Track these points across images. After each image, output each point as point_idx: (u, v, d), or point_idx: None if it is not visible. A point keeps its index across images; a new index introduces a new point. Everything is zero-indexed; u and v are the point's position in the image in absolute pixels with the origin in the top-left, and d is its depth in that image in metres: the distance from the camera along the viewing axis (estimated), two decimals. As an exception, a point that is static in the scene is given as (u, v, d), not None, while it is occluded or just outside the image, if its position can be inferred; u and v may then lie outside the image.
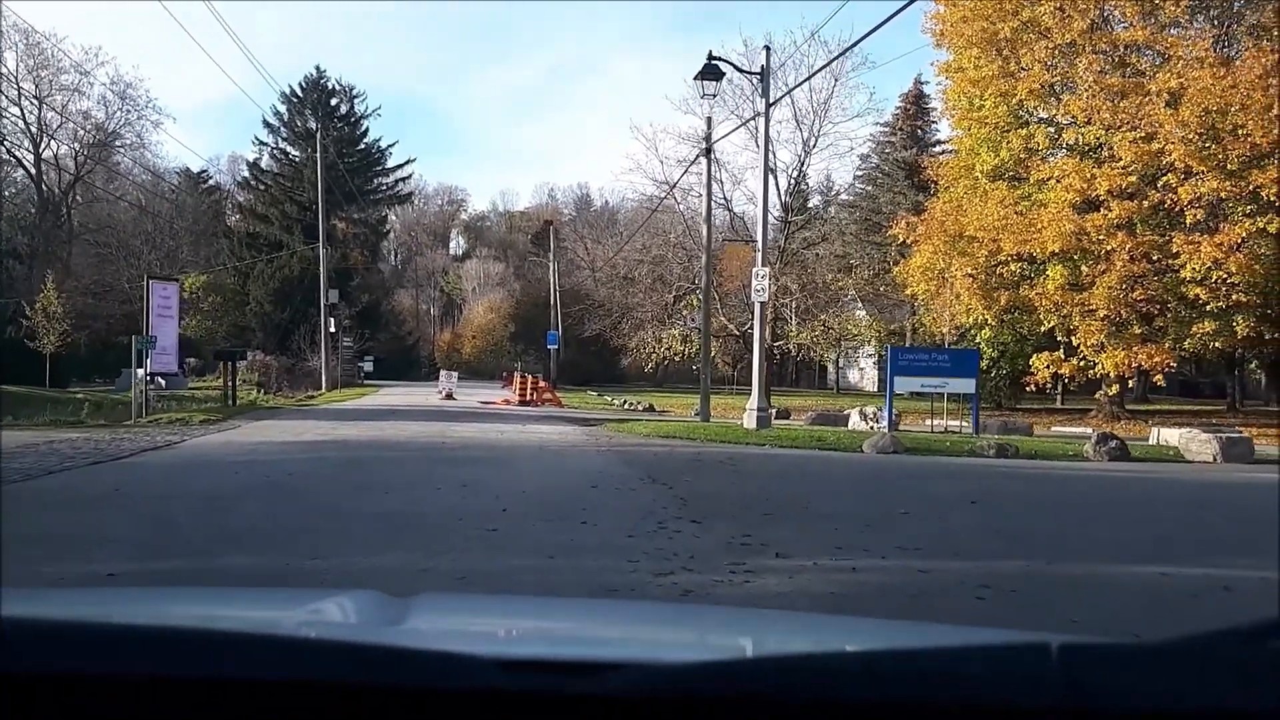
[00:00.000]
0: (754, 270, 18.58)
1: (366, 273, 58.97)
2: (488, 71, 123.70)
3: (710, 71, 18.80)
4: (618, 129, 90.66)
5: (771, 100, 19.38)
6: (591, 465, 11.35)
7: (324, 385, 36.19)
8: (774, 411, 20.42)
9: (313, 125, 52.86)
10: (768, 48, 19.03)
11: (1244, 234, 24.33)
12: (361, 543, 5.94)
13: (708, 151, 23.79)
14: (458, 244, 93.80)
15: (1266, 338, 27.13)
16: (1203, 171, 24.56)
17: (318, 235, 39.78)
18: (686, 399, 32.56)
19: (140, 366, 18.41)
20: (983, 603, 4.45)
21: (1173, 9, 25.73)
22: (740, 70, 20.69)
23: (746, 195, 40.36)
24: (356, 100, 60.90)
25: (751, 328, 29.77)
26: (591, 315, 46.90)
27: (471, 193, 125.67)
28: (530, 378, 32.51)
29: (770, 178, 22.41)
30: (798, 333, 37.23)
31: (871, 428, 19.66)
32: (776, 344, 35.52)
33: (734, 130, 32.32)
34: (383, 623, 1.41)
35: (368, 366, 47.71)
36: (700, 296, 30.13)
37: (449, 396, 31.44)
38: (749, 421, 17.52)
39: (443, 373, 36.83)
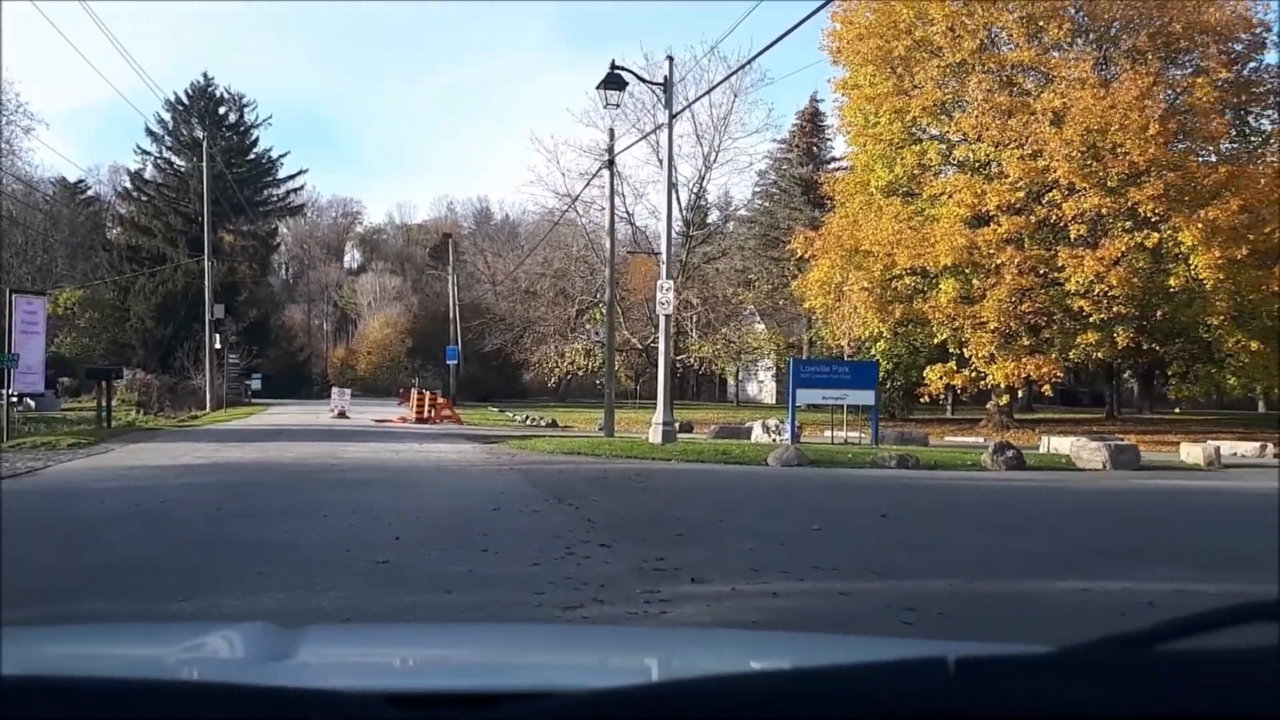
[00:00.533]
0: (659, 283, 18.39)
1: (255, 287, 56.93)
2: (385, 83, 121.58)
3: (613, 80, 18.56)
4: (518, 142, 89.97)
5: (674, 112, 19.24)
6: (493, 485, 10.88)
7: (209, 405, 34.59)
8: (677, 425, 20.26)
9: (199, 134, 50.78)
10: (670, 58, 18.94)
11: (1123, 248, 25.43)
12: (237, 579, 5.39)
13: (610, 163, 23.57)
14: (352, 257, 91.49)
15: (1144, 348, 28.36)
16: (1085, 188, 25.59)
17: (203, 248, 38.10)
18: (590, 414, 32.21)
19: (3, 387, 17.07)
20: (911, 628, 4.22)
21: (1056, 32, 26.78)
22: (643, 80, 20.50)
23: (649, 209, 40.32)
24: (246, 109, 58.97)
25: (654, 341, 29.72)
26: (492, 330, 46.12)
27: (367, 205, 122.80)
28: (428, 394, 31.61)
29: (673, 192, 22.35)
30: (699, 346, 37.31)
31: (774, 440, 19.66)
32: (678, 357, 35.51)
33: (636, 142, 32.25)
34: (269, 657, 1.34)
35: (255, 384, 45.86)
36: (603, 310, 29.89)
37: (341, 415, 30.32)
38: (654, 436, 17.28)
39: (335, 390, 35.54)
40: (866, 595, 5.06)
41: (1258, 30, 28.55)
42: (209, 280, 37.40)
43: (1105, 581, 5.47)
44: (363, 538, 6.78)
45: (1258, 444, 20.85)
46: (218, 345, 37.28)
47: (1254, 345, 25.66)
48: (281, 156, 61.38)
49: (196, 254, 41.26)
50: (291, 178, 62.82)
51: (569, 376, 43.09)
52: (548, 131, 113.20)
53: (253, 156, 59.74)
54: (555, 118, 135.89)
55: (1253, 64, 29.39)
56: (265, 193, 61.20)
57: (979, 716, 0.78)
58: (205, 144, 41.60)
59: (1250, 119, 30.80)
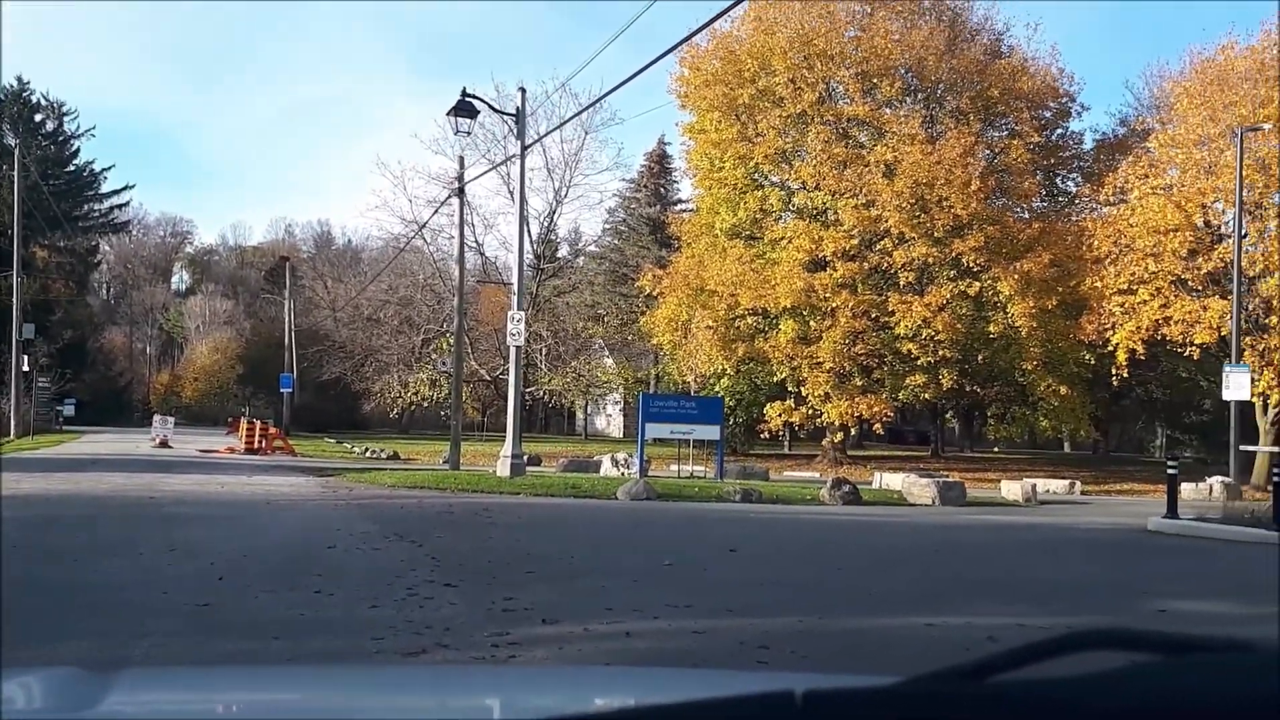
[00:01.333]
0: (509, 314, 18.15)
1: (71, 306, 52.96)
2: (221, 98, 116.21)
3: (464, 108, 18.33)
4: (363, 166, 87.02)
5: (526, 143, 19.16)
6: (328, 521, 10.35)
7: (13, 432, 31.85)
8: (526, 458, 19.99)
9: (11, 142, 47.03)
10: (522, 89, 18.84)
11: (948, 296, 27.04)
12: (36, 626, 4.84)
13: (460, 191, 23.21)
14: (181, 279, 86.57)
15: (966, 390, 30.15)
16: (914, 238, 27.14)
17: (12, 263, 35.22)
18: (434, 446, 31.41)
19: None
20: (766, 666, 4.21)
21: (888, 89, 28.39)
22: (495, 109, 20.35)
23: (499, 240, 40.03)
24: (67, 118, 55.12)
25: (503, 373, 29.33)
26: (331, 357, 44.45)
27: (198, 224, 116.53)
28: (259, 423, 30.05)
29: (524, 223, 22.21)
30: (549, 379, 37.12)
31: (623, 474, 19.69)
32: (528, 389, 35.19)
33: (487, 171, 31.98)
34: (76, 706, 1.23)
35: (68, 410, 42.47)
36: (451, 340, 29.29)
37: (163, 444, 28.41)
38: (503, 469, 16.95)
39: (157, 417, 33.31)
40: (720, 633, 5.03)
41: (1064, 99, 31.21)
42: (17, 298, 34.69)
43: (949, 616, 5.65)
44: (182, 579, 6.27)
45: (1067, 481, 22.49)
46: (26, 368, 34.48)
47: (1063, 390, 27.68)
48: (105, 170, 57.59)
49: (4, 269, 38.11)
50: (116, 193, 58.98)
51: (412, 408, 41.98)
52: (395, 157, 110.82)
53: (72, 168, 55.81)
54: (402, 143, 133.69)
55: (1060, 130, 32.03)
56: (86, 207, 57.20)
57: None
58: (18, 152, 38.57)
59: (1058, 180, 33.49)
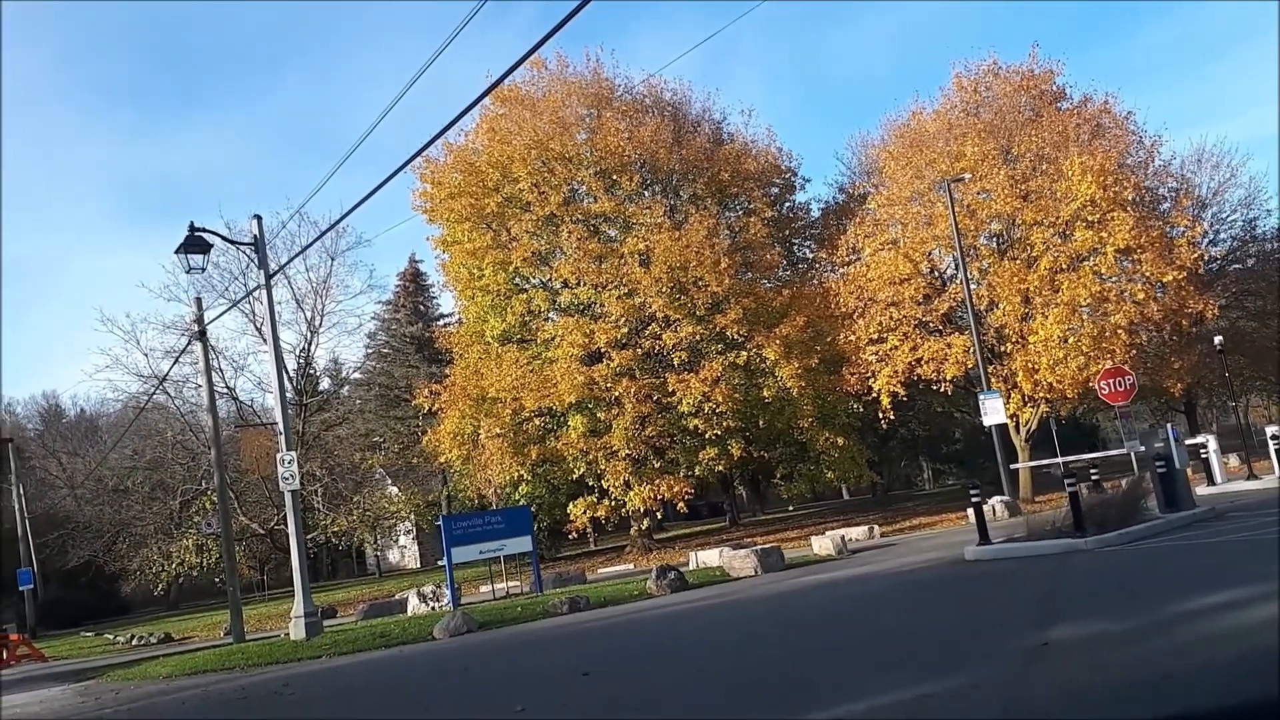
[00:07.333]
0: (279, 456, 16.65)
1: None
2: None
3: (194, 243, 16.94)
4: (84, 324, 78.90)
5: (270, 272, 17.90)
6: (97, 738, 8.73)
7: None
8: (321, 611, 18.27)
9: None
10: (258, 216, 17.58)
11: (720, 369, 27.91)
12: None
13: (202, 335, 21.47)
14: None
15: (754, 455, 31.03)
16: (678, 319, 27.95)
17: None
18: (213, 617, 28.39)
19: None
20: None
21: (628, 184, 29.42)
22: (229, 240, 18.95)
23: (253, 381, 37.75)
24: None
25: (279, 523, 26.99)
26: (77, 540, 39.60)
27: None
28: (-4, 633, 25.88)
29: (280, 356, 20.71)
30: (331, 520, 34.69)
31: (433, 608, 18.43)
32: (309, 535, 32.71)
33: (230, 308, 30.10)
34: None
35: None
36: (213, 497, 26.77)
37: None
38: (297, 631, 15.29)
39: None
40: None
41: (787, 175, 33.65)
42: None
43: (849, 704, 5.19)
44: None
45: (865, 528, 23.33)
46: None
47: (840, 440, 29.11)
48: None
49: None
50: None
51: (180, 579, 37.98)
52: (121, 310, 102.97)
53: None
54: (128, 295, 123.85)
55: (788, 203, 34.41)
56: None
57: None
58: None
59: (795, 248, 35.85)
